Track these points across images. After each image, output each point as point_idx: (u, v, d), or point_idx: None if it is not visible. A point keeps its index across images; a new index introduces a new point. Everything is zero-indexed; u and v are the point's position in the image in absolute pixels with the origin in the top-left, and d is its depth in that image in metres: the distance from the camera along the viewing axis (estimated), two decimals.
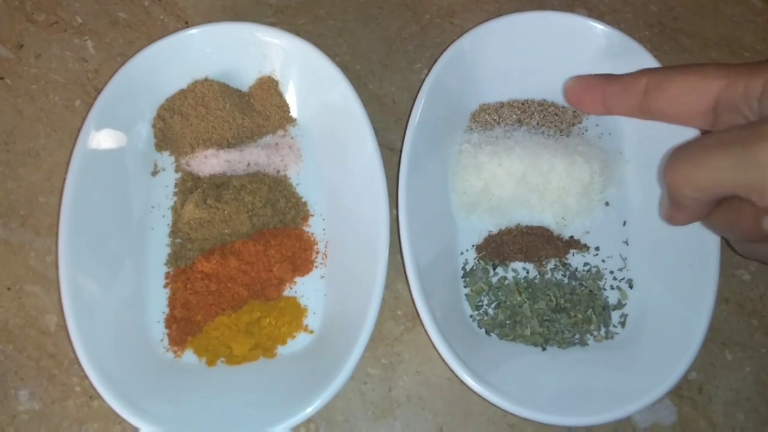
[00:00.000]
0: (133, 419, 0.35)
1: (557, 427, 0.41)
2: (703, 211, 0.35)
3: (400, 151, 0.41)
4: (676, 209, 0.36)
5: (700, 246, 0.39)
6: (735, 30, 0.51)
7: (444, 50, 0.44)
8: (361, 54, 0.50)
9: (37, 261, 0.44)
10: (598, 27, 0.45)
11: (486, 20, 0.45)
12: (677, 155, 0.34)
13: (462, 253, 0.44)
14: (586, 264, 0.43)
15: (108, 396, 0.36)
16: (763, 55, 0.50)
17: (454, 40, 0.44)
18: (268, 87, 0.46)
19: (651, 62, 0.43)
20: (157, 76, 0.44)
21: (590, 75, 0.43)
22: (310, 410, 0.36)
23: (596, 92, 0.42)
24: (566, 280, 0.43)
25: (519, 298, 0.42)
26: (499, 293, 0.42)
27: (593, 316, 0.41)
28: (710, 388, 0.42)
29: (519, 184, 0.43)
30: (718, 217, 0.35)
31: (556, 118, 0.46)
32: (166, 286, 0.42)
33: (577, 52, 0.45)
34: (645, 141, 0.44)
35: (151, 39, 0.44)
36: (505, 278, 0.43)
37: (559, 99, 0.47)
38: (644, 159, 0.44)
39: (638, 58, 0.44)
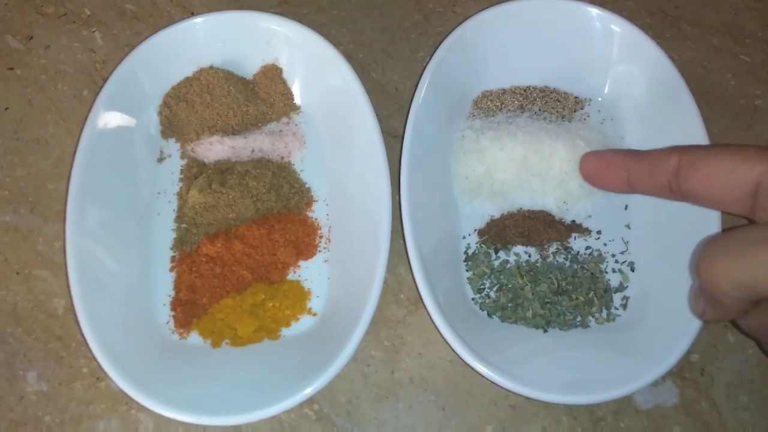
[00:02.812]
0: (140, 398, 0.36)
1: (558, 407, 0.41)
2: (740, 309, 0.32)
3: (403, 138, 0.42)
4: (710, 305, 0.33)
5: (702, 229, 0.39)
6: (736, 17, 0.51)
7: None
8: (364, 43, 0.50)
9: (46, 246, 0.44)
10: (600, 14, 0.45)
11: (488, 8, 0.45)
12: (714, 247, 0.30)
13: (464, 238, 0.44)
14: (587, 248, 0.44)
15: (115, 375, 0.36)
16: (766, 42, 0.51)
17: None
18: (272, 75, 0.47)
19: (653, 49, 0.44)
20: (162, 64, 0.45)
21: (611, 150, 0.41)
22: (309, 390, 0.36)
23: (620, 169, 0.39)
24: (568, 264, 0.43)
25: (521, 281, 0.42)
26: (501, 276, 0.42)
27: (595, 298, 0.42)
28: (712, 370, 0.42)
29: (521, 169, 0.44)
30: (755, 317, 0.33)
31: (558, 104, 0.47)
32: (171, 269, 0.43)
33: (579, 39, 0.46)
34: (646, 127, 0.45)
35: (158, 30, 0.45)
36: (507, 262, 0.43)
37: (560, 85, 0.47)
38: (645, 145, 0.44)
39: (640, 45, 0.44)
